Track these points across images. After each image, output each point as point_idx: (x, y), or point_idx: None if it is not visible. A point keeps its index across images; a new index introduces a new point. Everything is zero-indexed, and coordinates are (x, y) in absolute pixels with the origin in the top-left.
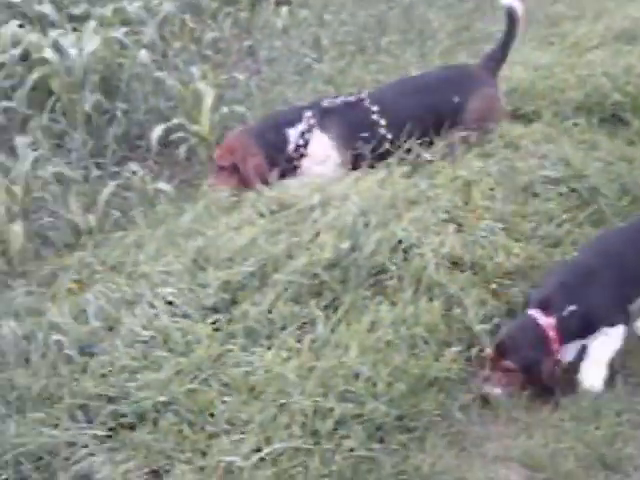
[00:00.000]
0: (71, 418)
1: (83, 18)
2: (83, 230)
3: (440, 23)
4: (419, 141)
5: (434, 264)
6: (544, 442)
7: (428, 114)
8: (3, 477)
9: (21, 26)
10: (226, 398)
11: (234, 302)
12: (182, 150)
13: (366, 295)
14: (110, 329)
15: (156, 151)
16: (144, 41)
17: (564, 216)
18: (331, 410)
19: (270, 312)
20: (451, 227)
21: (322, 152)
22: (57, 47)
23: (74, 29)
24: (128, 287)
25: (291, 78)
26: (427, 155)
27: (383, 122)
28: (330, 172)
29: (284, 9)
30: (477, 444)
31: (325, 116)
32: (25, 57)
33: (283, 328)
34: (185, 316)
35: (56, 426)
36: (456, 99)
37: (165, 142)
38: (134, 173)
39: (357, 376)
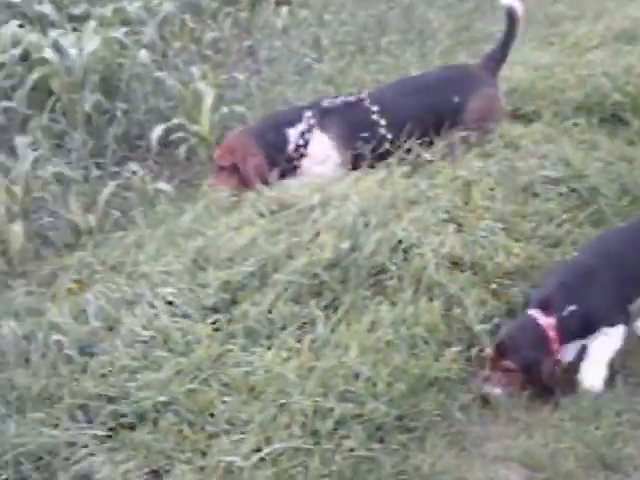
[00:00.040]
0: (71, 418)
1: (83, 18)
2: (83, 230)
3: (440, 23)
4: (419, 141)
5: (434, 264)
6: (544, 442)
7: (428, 114)
8: (3, 477)
9: (21, 26)
10: (226, 398)
11: (234, 302)
12: (182, 150)
13: (366, 295)
14: (110, 329)
15: (156, 151)
16: (144, 41)
17: (564, 216)
18: (331, 410)
19: (270, 312)
20: (451, 227)
21: (322, 152)
22: (57, 47)
23: (74, 29)
24: (128, 287)
25: (291, 78)
26: (427, 155)
27: (383, 122)
28: (330, 172)
29: (284, 9)
30: (477, 444)
31: (325, 116)
32: (25, 57)
33: (283, 328)
34: (185, 316)
35: (56, 426)
36: (456, 99)
37: (165, 142)
38: (134, 173)
39: (357, 376)
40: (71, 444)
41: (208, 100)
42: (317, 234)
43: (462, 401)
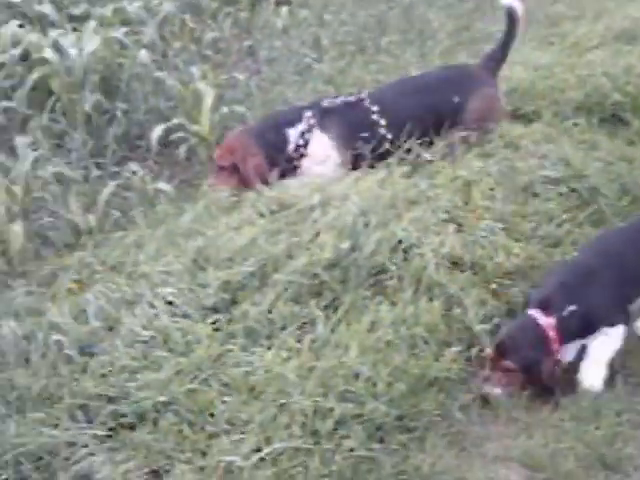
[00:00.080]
0: (71, 418)
1: (83, 18)
2: (83, 230)
3: (440, 23)
4: (419, 141)
5: (434, 264)
6: (544, 442)
7: (428, 114)
8: (3, 477)
9: (21, 26)
10: (226, 398)
11: (234, 302)
12: (182, 150)
13: (366, 295)
14: (110, 329)
15: (156, 151)
16: (144, 41)
17: (564, 216)
18: (331, 410)
19: (270, 312)
20: (451, 227)
21: (322, 152)
22: (57, 47)
23: (74, 29)
24: (128, 287)
25: (291, 78)
26: (427, 155)
27: (383, 122)
28: (330, 172)
29: (284, 9)
30: (477, 444)
31: (325, 116)
32: (25, 57)
33: (283, 328)
34: (185, 316)
35: (56, 426)
36: (456, 99)
37: (165, 142)
38: (134, 173)
39: (357, 376)
40: (71, 444)
41: (208, 100)
42: (317, 234)
43: (462, 401)
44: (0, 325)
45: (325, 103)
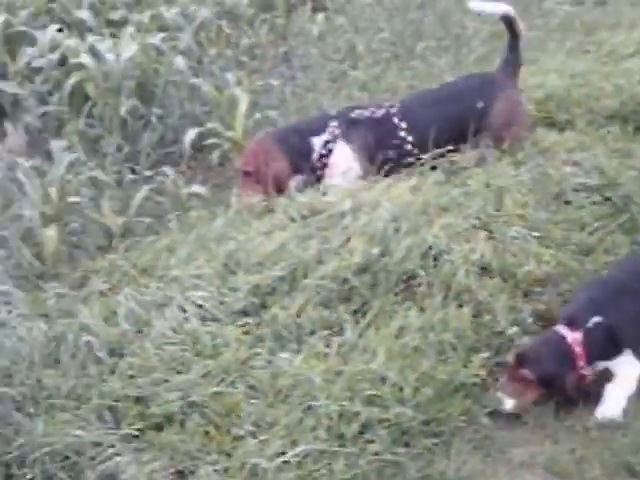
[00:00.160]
0: (99, 419)
1: (121, 24)
2: (115, 234)
3: (475, 30)
4: (448, 149)
5: (464, 270)
6: (570, 448)
7: (454, 123)
8: (29, 476)
9: (60, 31)
10: (252, 400)
11: (264, 306)
12: (215, 155)
13: (395, 300)
14: (140, 331)
15: (190, 156)
16: (180, 47)
17: (596, 224)
18: (357, 414)
19: (299, 316)
20: (482, 234)
21: (344, 163)
22: (94, 52)
23: (112, 35)
24: (159, 290)
25: (325, 85)
26: (460, 162)
27: (410, 139)
28: (349, 184)
29: (320, 16)
30: (503, 450)
31: (351, 127)
32: (63, 62)
33: (312, 332)
34: (214, 319)
35: (84, 426)
36: (480, 104)
37: (199, 147)
38: (167, 177)
39: (384, 381)
40: (97, 444)
41: (242, 106)
42: (348, 240)
43: (489, 406)
44: (32, 327)
45: (353, 114)
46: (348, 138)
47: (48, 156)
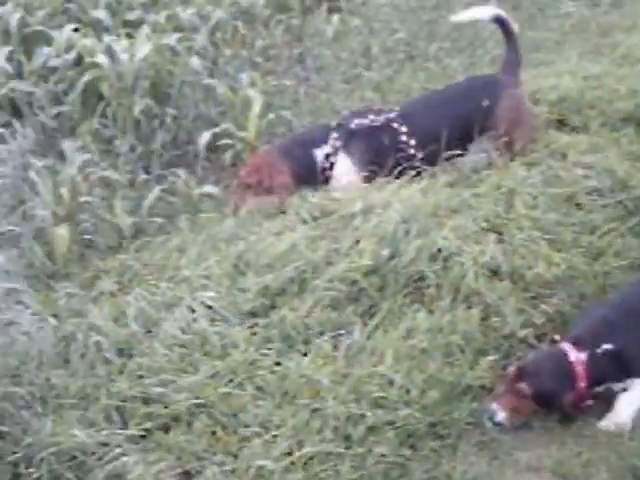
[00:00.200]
0: (106, 419)
1: (137, 24)
2: (127, 234)
3: (490, 31)
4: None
5: (473, 273)
6: (577, 452)
7: (459, 123)
8: (36, 475)
9: (76, 30)
10: (260, 402)
11: (273, 307)
12: (228, 156)
13: (404, 302)
14: (149, 331)
15: (203, 156)
16: (196, 47)
17: (607, 227)
18: (363, 416)
19: (307, 318)
20: (492, 236)
21: (345, 176)
22: (110, 52)
23: (128, 35)
24: (169, 290)
25: (339, 86)
26: (469, 164)
27: (413, 142)
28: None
29: (335, 17)
30: (509, 452)
31: (351, 139)
32: (78, 62)
33: (320, 334)
34: (224, 320)
35: (91, 426)
36: (486, 102)
37: (212, 147)
38: (179, 177)
39: (391, 383)
40: (105, 444)
41: (256, 107)
42: (357, 241)
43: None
44: (41, 326)
45: (353, 125)
46: (349, 150)
47: (61, 156)
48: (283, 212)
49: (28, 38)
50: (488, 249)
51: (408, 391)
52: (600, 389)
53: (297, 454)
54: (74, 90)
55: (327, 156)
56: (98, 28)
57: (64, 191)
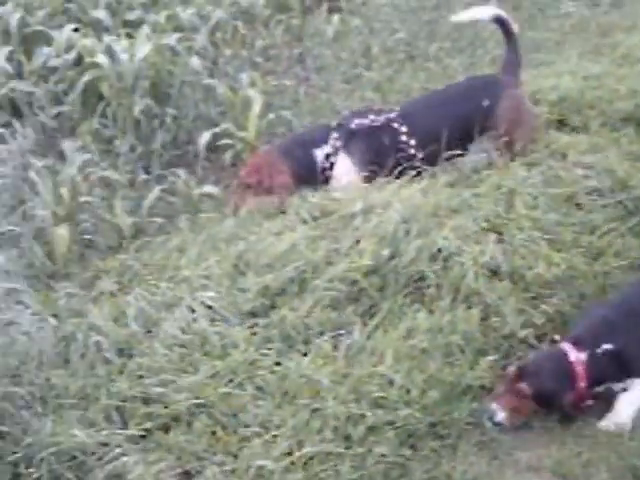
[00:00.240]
0: (106, 419)
1: (137, 24)
2: (127, 234)
3: (491, 31)
4: (456, 152)
5: (473, 273)
6: (577, 452)
7: (460, 123)
8: (36, 475)
9: (76, 30)
10: (260, 402)
11: (272, 307)
12: (228, 156)
13: (404, 302)
14: (149, 331)
15: (203, 156)
16: (196, 48)
17: (606, 227)
18: (363, 416)
19: (307, 318)
20: (492, 236)
21: (345, 177)
22: (110, 52)
23: (128, 35)
24: (169, 290)
25: (339, 86)
26: (469, 164)
27: (413, 142)
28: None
29: (335, 17)
30: (509, 452)
31: (351, 139)
32: (78, 62)
33: (320, 334)
34: (224, 320)
35: (91, 426)
36: (486, 102)
37: (212, 147)
38: (179, 178)
39: (391, 383)
40: (105, 444)
41: (256, 107)
42: (358, 241)
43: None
44: (42, 326)
45: (353, 125)
46: (349, 150)
47: (61, 156)
48: (283, 212)
49: (28, 38)
50: (488, 249)
51: (408, 391)
52: (600, 389)
53: (297, 454)
54: (74, 90)
55: (327, 156)
56: (98, 28)
57: (64, 191)
